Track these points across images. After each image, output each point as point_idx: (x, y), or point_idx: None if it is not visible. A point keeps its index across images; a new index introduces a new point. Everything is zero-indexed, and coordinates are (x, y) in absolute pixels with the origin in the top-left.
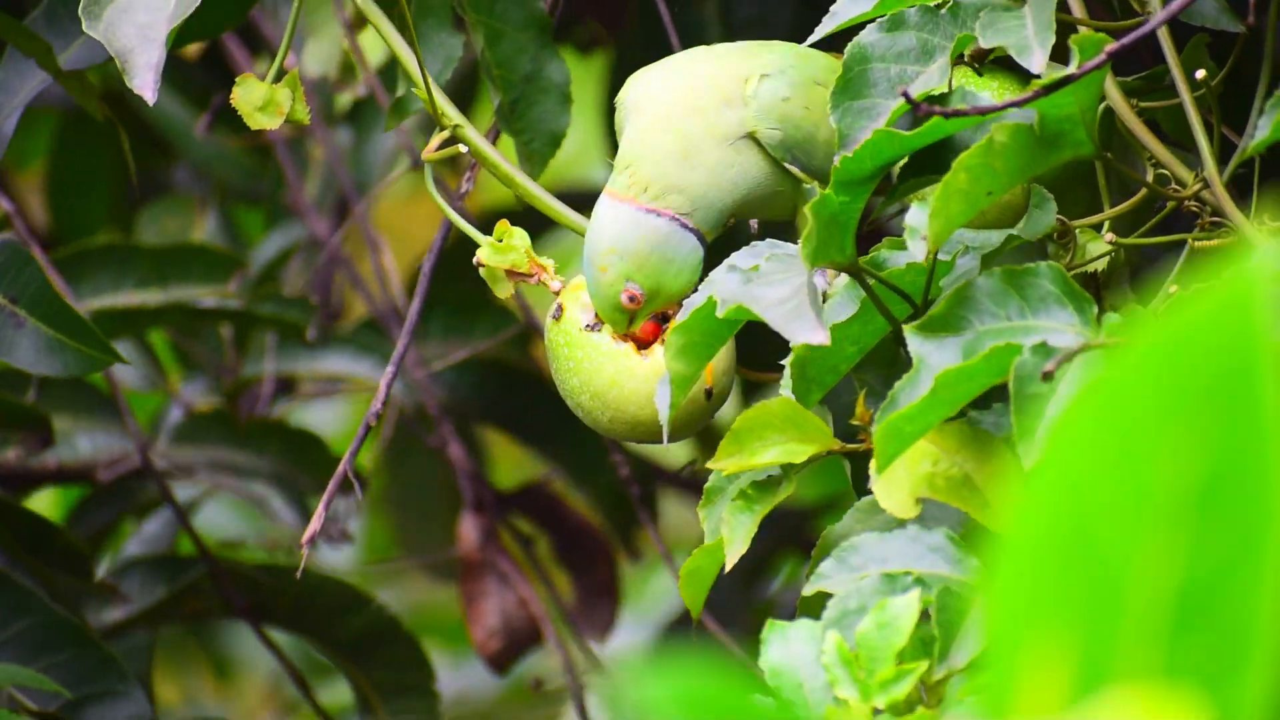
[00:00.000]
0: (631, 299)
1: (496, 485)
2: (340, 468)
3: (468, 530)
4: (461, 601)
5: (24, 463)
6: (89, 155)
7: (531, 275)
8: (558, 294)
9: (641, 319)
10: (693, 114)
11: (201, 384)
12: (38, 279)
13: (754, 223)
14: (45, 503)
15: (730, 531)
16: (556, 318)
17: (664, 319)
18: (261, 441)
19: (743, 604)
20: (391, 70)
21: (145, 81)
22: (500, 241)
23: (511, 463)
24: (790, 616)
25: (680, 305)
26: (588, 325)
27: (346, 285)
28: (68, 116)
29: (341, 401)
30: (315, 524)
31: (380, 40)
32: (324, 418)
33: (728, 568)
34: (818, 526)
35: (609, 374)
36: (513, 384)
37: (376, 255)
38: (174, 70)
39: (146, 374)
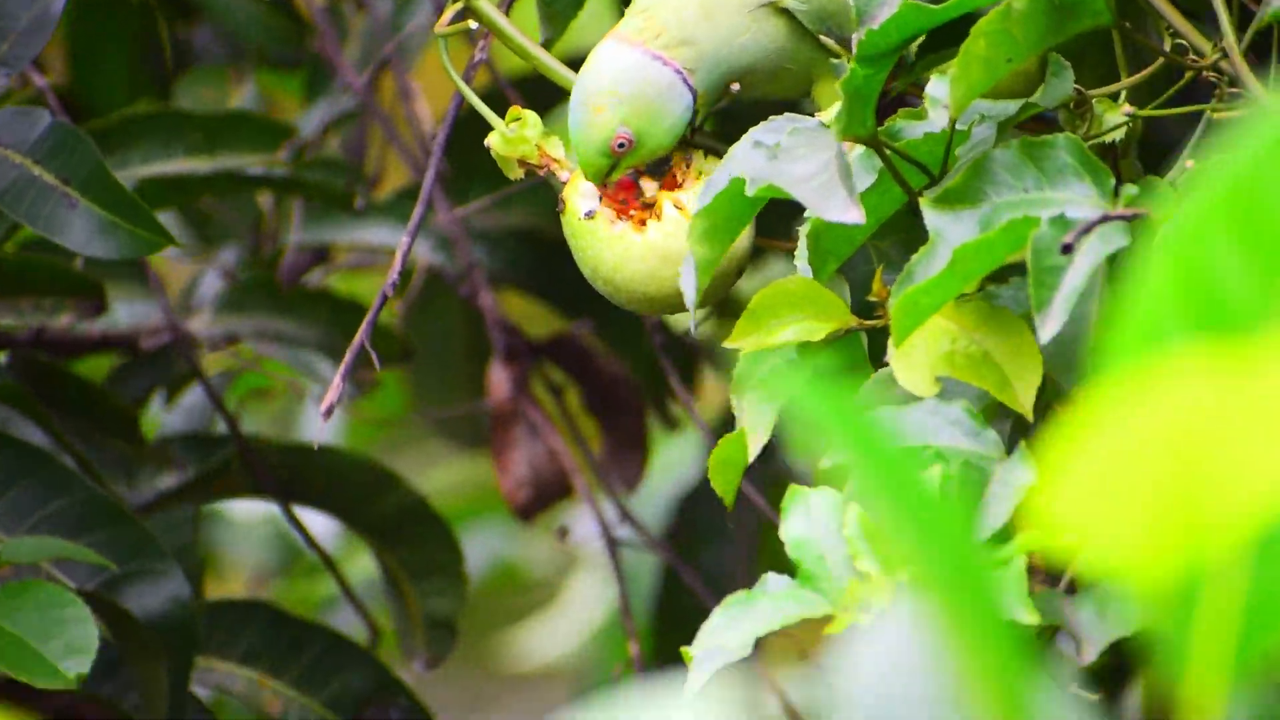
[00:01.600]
0: (621, 145)
1: (527, 336)
2: (356, 340)
3: (498, 380)
4: (490, 452)
5: (71, 330)
6: (108, 19)
7: (541, 167)
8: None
9: (620, 171)
10: None
11: (235, 251)
12: (90, 160)
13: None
14: (82, 369)
15: (753, 420)
16: (560, 212)
17: (637, 178)
18: (308, 309)
19: (764, 469)
20: None
21: None
22: (512, 127)
23: (544, 327)
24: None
25: (655, 164)
26: (586, 214)
27: (382, 150)
28: None
29: (380, 272)
30: (332, 395)
31: None
32: (362, 288)
33: (750, 458)
34: None
35: (610, 260)
36: (550, 253)
37: (410, 104)
38: None
39: (187, 241)
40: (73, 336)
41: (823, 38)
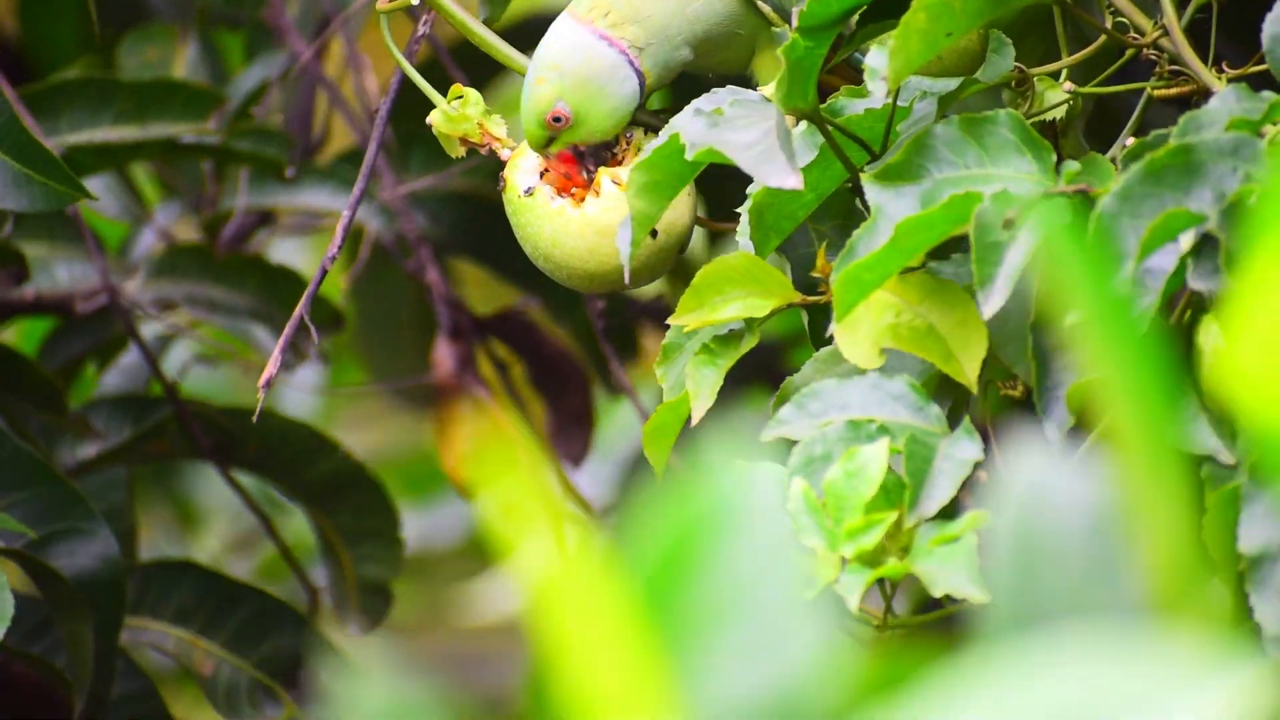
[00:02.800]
0: (557, 119)
1: (473, 311)
2: (296, 312)
3: (443, 355)
4: (434, 427)
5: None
6: None
7: (483, 145)
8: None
9: (559, 144)
10: None
11: (176, 209)
12: (5, 112)
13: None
14: (16, 334)
15: (695, 386)
16: (501, 190)
17: (580, 156)
18: (241, 276)
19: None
20: None
21: None
22: (454, 104)
23: (488, 296)
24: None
25: (599, 144)
26: (526, 190)
27: (327, 114)
28: None
29: (320, 236)
30: (271, 368)
31: None
32: (302, 252)
33: (693, 423)
34: (784, 359)
35: (548, 235)
36: (493, 219)
37: (358, 75)
38: None
39: (125, 204)
40: (3, 300)
41: (760, 4)
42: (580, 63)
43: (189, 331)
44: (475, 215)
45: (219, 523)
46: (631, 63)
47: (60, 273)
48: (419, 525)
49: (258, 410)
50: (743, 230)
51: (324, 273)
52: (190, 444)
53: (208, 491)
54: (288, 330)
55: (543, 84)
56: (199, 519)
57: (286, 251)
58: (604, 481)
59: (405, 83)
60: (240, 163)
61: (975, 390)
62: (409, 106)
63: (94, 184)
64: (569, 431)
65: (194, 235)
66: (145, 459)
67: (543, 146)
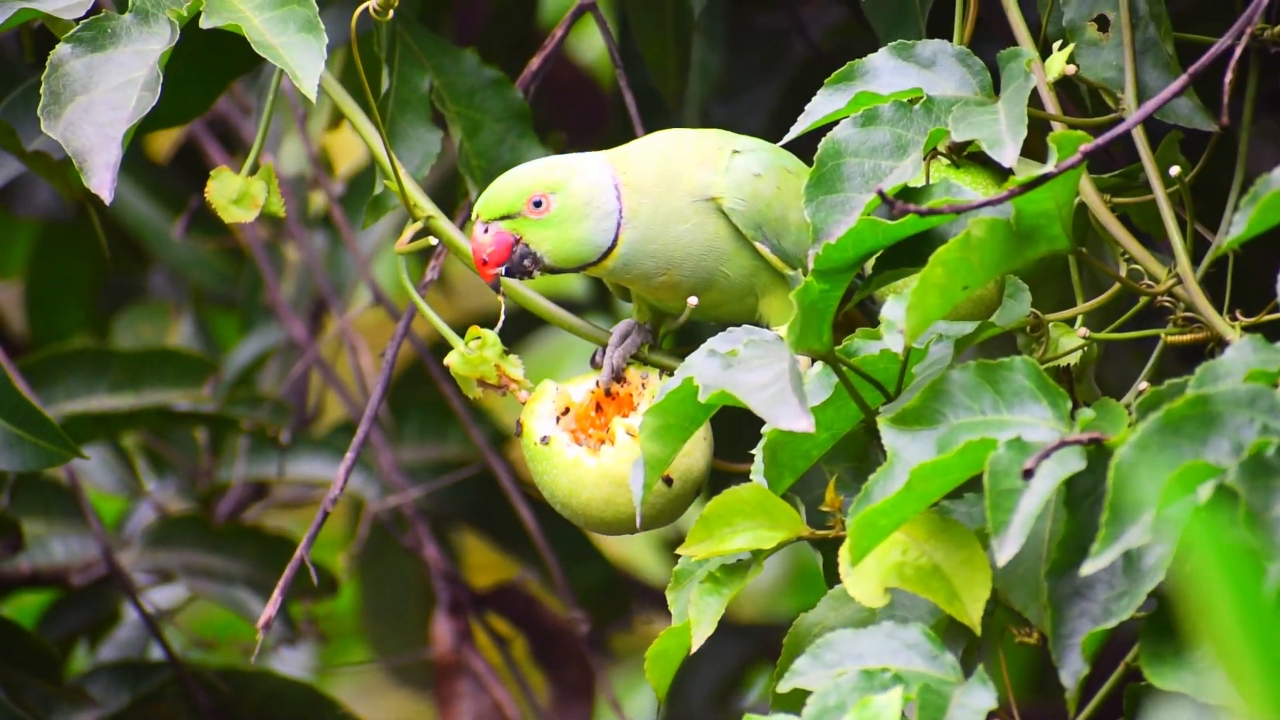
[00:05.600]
0: (538, 203)
1: (472, 586)
2: (297, 554)
3: (442, 631)
4: (435, 704)
5: None
6: (66, 264)
7: (500, 387)
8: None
9: (507, 225)
10: (673, 159)
11: (172, 486)
12: None
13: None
14: (12, 609)
15: (698, 613)
16: (518, 435)
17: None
18: (237, 545)
19: (717, 717)
20: (368, 172)
21: (103, 181)
22: (471, 346)
23: (486, 566)
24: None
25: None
26: (542, 438)
27: (321, 389)
28: (46, 228)
29: (316, 509)
30: (270, 609)
31: (359, 139)
32: (299, 522)
33: (694, 648)
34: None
35: (565, 485)
36: (487, 487)
37: (354, 357)
38: (147, 173)
39: (119, 477)
40: (1, 574)
41: (759, 246)
42: (590, 187)
43: (186, 609)
44: (470, 484)
45: None
46: (619, 224)
47: (56, 547)
48: None
49: (255, 651)
50: (757, 469)
51: (324, 515)
52: (190, 707)
53: None
54: (287, 573)
55: (553, 170)
56: None
57: (282, 521)
58: None
59: (396, 358)
60: (236, 430)
61: (979, 632)
62: (401, 381)
63: (91, 455)
64: (570, 704)
65: (190, 509)
66: None
67: (494, 215)
